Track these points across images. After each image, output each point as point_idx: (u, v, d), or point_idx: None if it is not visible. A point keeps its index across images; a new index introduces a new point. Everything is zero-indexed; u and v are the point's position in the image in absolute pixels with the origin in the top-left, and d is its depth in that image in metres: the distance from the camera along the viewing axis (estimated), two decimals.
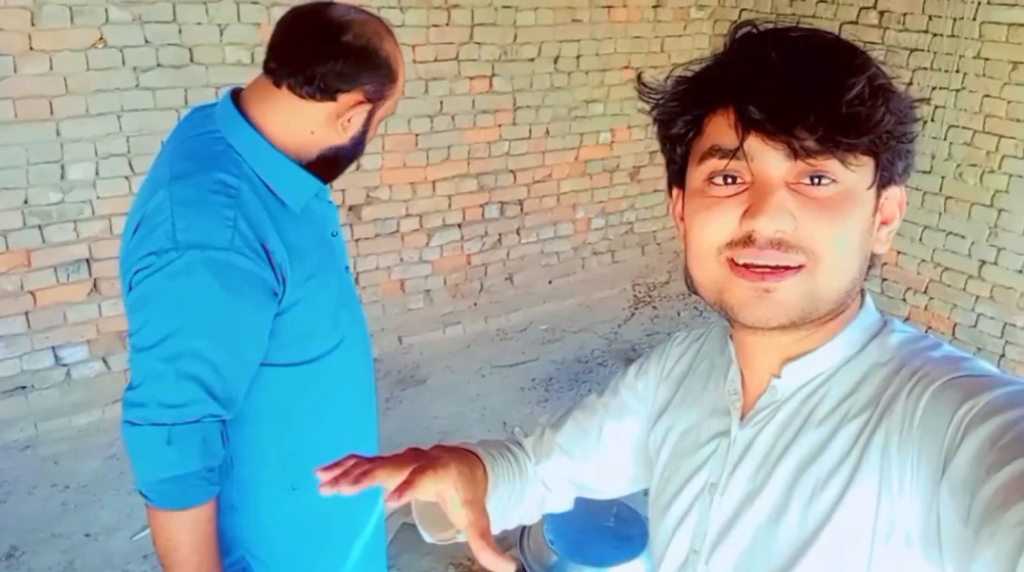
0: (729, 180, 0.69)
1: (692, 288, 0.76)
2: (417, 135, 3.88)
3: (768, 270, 0.67)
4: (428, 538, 0.92)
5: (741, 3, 4.60)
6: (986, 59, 3.59)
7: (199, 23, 3.21)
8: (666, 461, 0.89)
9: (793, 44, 0.67)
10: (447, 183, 4.06)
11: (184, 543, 1.20)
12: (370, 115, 1.29)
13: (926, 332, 0.77)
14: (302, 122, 1.25)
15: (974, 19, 3.57)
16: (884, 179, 0.70)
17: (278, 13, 3.25)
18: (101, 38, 3.05)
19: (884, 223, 0.72)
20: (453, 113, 3.95)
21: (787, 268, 0.67)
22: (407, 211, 3.98)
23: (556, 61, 4.21)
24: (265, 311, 1.22)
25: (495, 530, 0.94)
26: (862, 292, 0.77)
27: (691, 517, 0.82)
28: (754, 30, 0.70)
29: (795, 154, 0.65)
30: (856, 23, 4.07)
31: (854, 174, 0.67)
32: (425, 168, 3.96)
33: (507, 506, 0.97)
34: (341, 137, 1.28)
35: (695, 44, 4.68)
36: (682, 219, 0.77)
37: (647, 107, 0.76)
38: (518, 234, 4.38)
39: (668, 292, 4.80)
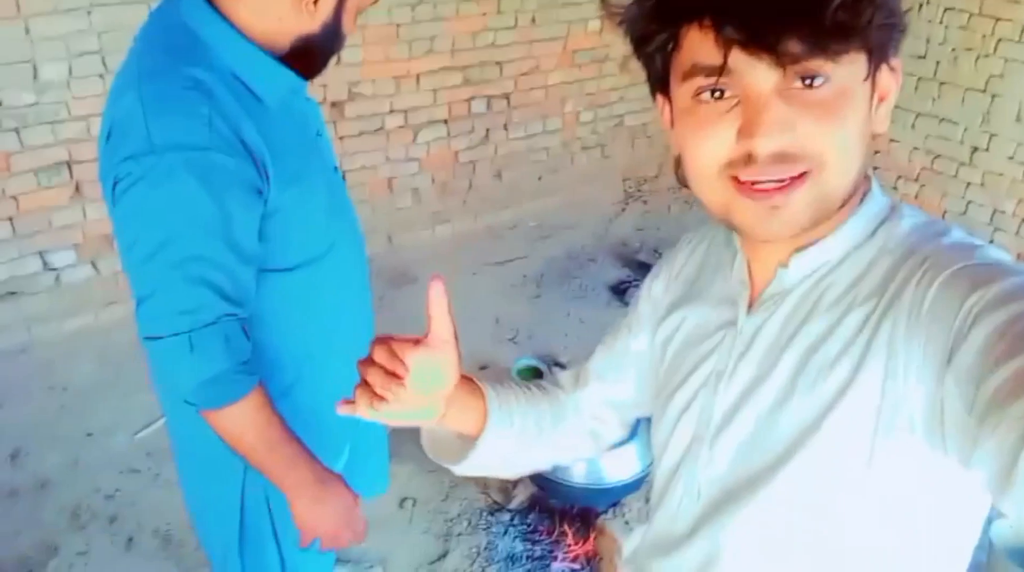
0: (717, 94, 0.67)
1: (683, 182, 0.75)
2: (398, 25, 3.74)
3: (774, 187, 0.66)
4: (440, 463, 0.93)
5: None
6: None
7: None
8: (673, 353, 0.89)
9: None
10: (431, 77, 3.95)
11: (252, 437, 1.22)
12: (340, 0, 1.22)
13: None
14: (269, 7, 1.19)
15: None
16: (878, 63, 0.68)
17: None
18: None
19: (881, 100, 0.71)
20: (435, 1, 3.80)
21: (793, 179, 0.66)
22: (391, 107, 3.88)
23: None
24: (253, 210, 1.19)
25: (514, 466, 0.99)
26: (867, 177, 0.76)
27: (696, 405, 0.83)
28: None
29: (781, 64, 0.63)
30: None
31: (846, 69, 0.65)
32: (408, 61, 3.84)
33: (527, 435, 0.95)
34: (310, 23, 1.21)
35: None
36: (672, 126, 0.75)
37: (615, 22, 0.72)
38: (505, 129, 4.29)
39: (658, 186, 4.77)
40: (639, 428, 2.41)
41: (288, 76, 1.24)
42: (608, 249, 4.14)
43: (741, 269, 0.81)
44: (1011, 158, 3.68)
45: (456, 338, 0.75)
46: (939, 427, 0.62)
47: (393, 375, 0.72)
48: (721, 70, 0.64)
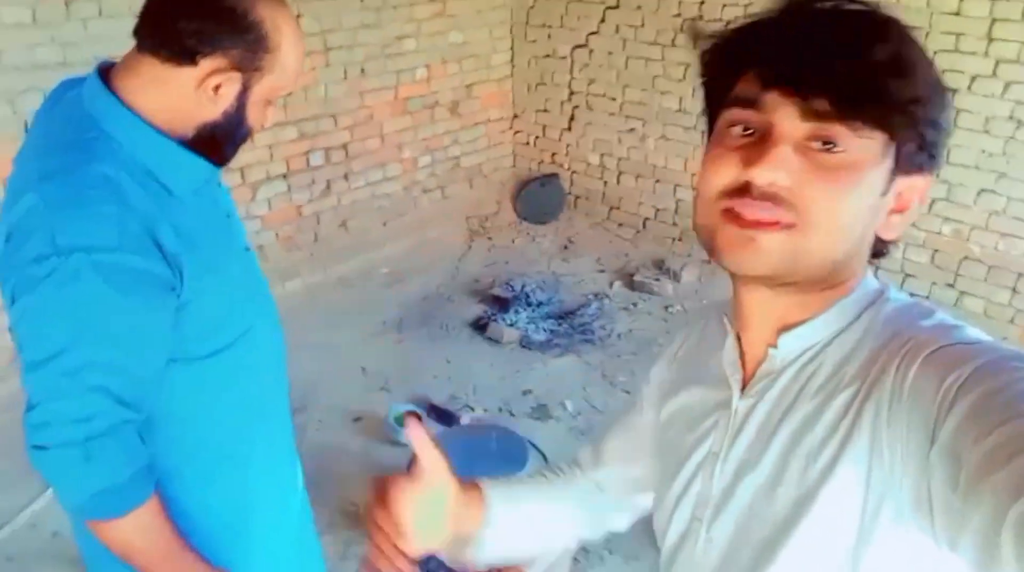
0: (747, 130, 0.70)
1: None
2: None
3: (758, 221, 0.68)
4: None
5: None
6: None
7: None
8: (672, 436, 0.90)
9: (834, 9, 0.67)
10: (266, 133, 3.86)
11: (146, 547, 1.17)
12: (245, 88, 1.17)
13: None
14: (170, 93, 1.14)
15: None
16: (904, 166, 0.69)
17: None
18: None
19: (898, 210, 0.72)
20: None
21: (775, 223, 0.67)
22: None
23: None
24: (164, 309, 1.15)
25: (534, 544, 1.01)
26: (864, 269, 0.77)
27: (694, 486, 0.84)
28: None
29: (807, 115, 0.65)
30: None
31: (863, 145, 0.66)
32: None
33: (541, 515, 0.98)
34: (210, 110, 1.16)
35: None
36: None
37: (696, 53, 0.77)
38: (347, 179, 4.28)
39: (500, 222, 4.91)
40: (528, 459, 2.47)
41: (200, 166, 1.21)
42: (462, 287, 4.20)
43: (732, 350, 0.82)
44: None
45: (445, 458, 0.81)
46: (927, 509, 0.62)
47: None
48: (755, 103, 0.68)
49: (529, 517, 0.97)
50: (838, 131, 0.65)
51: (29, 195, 1.08)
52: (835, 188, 0.66)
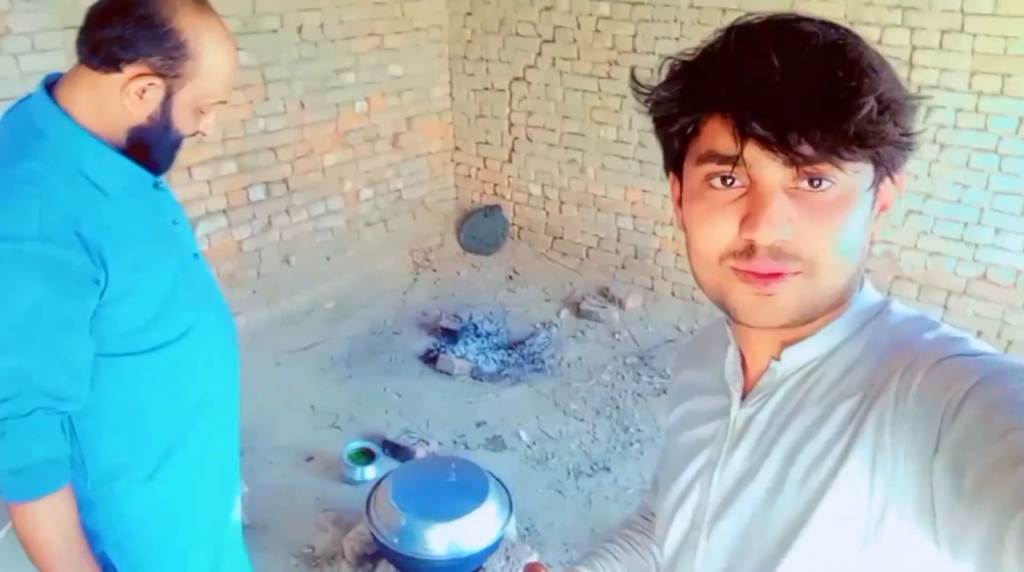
0: (728, 182, 0.68)
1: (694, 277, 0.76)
2: None
3: (770, 274, 0.68)
4: None
5: None
6: (700, 8, 4.02)
7: None
8: (673, 443, 0.90)
9: (797, 43, 0.65)
10: (204, 167, 3.79)
11: (46, 537, 1.21)
12: (168, 95, 1.24)
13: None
14: (101, 99, 1.23)
15: None
16: (883, 173, 0.70)
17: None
18: None
19: (882, 209, 0.73)
20: None
21: (785, 273, 0.68)
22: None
23: (300, 31, 4.06)
24: (83, 299, 1.19)
25: None
26: (861, 277, 0.78)
27: (692, 495, 0.84)
28: (754, 23, 0.68)
29: (794, 164, 0.64)
30: None
31: (853, 177, 0.67)
32: None
33: None
34: (137, 115, 1.24)
35: (433, 8, 4.73)
36: (679, 205, 0.76)
37: (641, 101, 0.74)
38: (288, 214, 4.21)
39: (444, 254, 4.90)
40: (489, 490, 2.44)
41: (130, 168, 1.27)
42: (409, 320, 4.16)
43: (735, 360, 0.82)
44: None
45: None
46: (930, 516, 0.62)
47: None
48: (735, 160, 0.66)
49: None
50: (826, 170, 0.65)
51: None
52: (833, 225, 0.67)
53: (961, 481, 0.58)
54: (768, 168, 0.66)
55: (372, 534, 2.35)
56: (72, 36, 1.24)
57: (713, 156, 0.68)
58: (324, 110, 4.27)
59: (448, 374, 3.68)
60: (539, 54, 4.58)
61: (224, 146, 3.84)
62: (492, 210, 4.97)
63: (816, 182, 0.66)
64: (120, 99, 1.21)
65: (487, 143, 4.96)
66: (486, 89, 4.84)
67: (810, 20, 0.68)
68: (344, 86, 4.33)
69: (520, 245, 4.98)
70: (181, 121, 1.27)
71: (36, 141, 1.20)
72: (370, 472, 2.94)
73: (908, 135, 0.67)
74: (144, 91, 1.22)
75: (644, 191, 4.49)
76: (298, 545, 2.63)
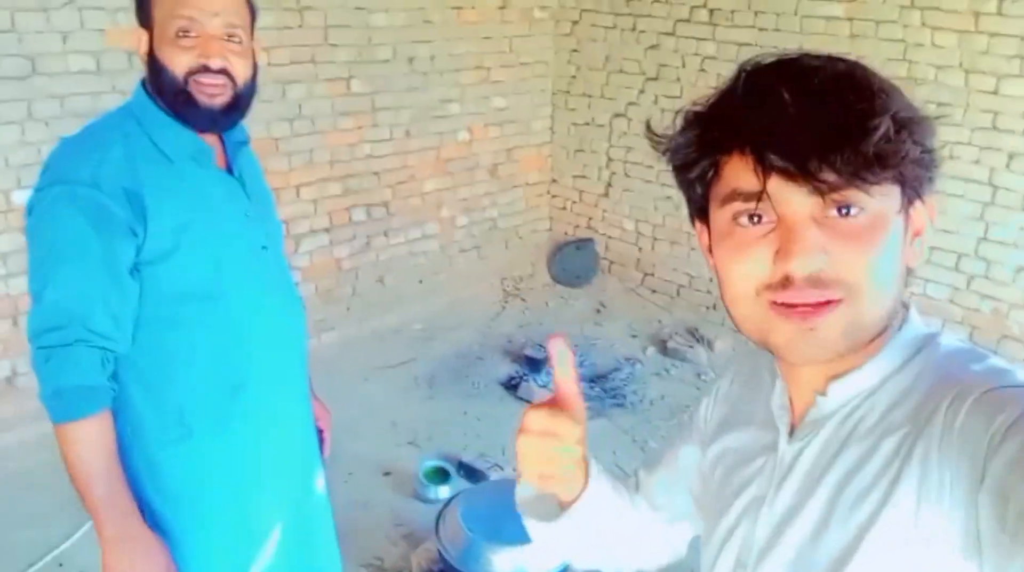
0: (755, 219, 0.69)
1: (733, 322, 0.75)
2: (277, 139, 3.78)
3: (809, 308, 0.67)
4: (534, 527, 0.91)
5: (581, 3, 4.80)
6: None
7: (40, 31, 2.99)
8: (719, 478, 0.89)
9: (806, 78, 0.66)
10: (311, 188, 3.99)
11: (80, 456, 1.32)
12: (151, 41, 1.37)
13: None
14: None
15: (795, 14, 3.93)
16: (912, 198, 0.70)
17: (125, 18, 3.08)
18: None
19: (916, 235, 0.72)
20: (312, 116, 3.89)
21: (827, 302, 0.67)
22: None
23: (412, 62, 4.24)
24: (121, 243, 1.32)
25: (595, 549, 0.96)
26: (905, 305, 0.77)
27: (739, 531, 0.83)
28: (761, 65, 0.69)
29: (820, 192, 0.64)
30: (689, 21, 4.37)
31: (881, 201, 0.66)
32: (288, 173, 3.87)
33: (616, 522, 0.94)
34: (145, 71, 1.40)
35: (540, 44, 4.85)
36: (710, 251, 0.77)
37: (659, 150, 0.76)
38: (386, 236, 4.37)
39: (534, 284, 4.95)
40: None
41: (183, 134, 1.41)
42: (494, 346, 4.22)
43: (782, 394, 0.81)
44: None
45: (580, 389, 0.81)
46: (976, 546, 0.62)
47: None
48: (760, 196, 0.66)
49: (612, 517, 0.92)
50: (852, 196, 0.65)
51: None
52: (869, 249, 0.66)
53: (1006, 511, 0.58)
54: (793, 199, 0.66)
55: (439, 551, 2.40)
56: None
57: (737, 195, 0.69)
58: (428, 138, 4.42)
59: (528, 401, 3.71)
60: (642, 91, 4.61)
61: (331, 169, 4.03)
62: (584, 243, 5.00)
63: (844, 210, 0.66)
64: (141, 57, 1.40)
65: (584, 177, 5.01)
66: (586, 124, 4.91)
67: (816, 56, 0.69)
68: (449, 116, 4.48)
69: (610, 279, 4.99)
70: (164, 56, 1.35)
71: (119, 112, 1.42)
72: (443, 491, 2.99)
73: (928, 152, 0.67)
74: (139, 44, 1.39)
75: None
76: (367, 556, 2.70)
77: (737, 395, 0.92)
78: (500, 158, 4.84)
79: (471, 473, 3.14)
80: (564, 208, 5.18)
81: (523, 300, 4.78)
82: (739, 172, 0.68)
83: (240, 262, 1.48)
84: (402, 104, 4.25)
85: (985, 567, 0.62)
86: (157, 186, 1.35)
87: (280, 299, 1.58)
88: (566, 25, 4.89)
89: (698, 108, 0.73)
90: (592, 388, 3.84)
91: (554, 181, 5.17)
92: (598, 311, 4.69)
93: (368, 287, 4.34)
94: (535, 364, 3.97)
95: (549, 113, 5.02)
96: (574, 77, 4.89)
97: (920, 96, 0.70)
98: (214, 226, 1.44)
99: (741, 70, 0.70)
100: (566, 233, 5.17)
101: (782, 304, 0.68)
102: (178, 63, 1.34)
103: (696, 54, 4.36)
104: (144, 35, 1.38)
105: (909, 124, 0.65)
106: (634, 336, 4.40)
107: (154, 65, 1.37)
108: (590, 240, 5.02)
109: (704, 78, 4.32)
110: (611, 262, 5.02)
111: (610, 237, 5.00)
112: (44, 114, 3.05)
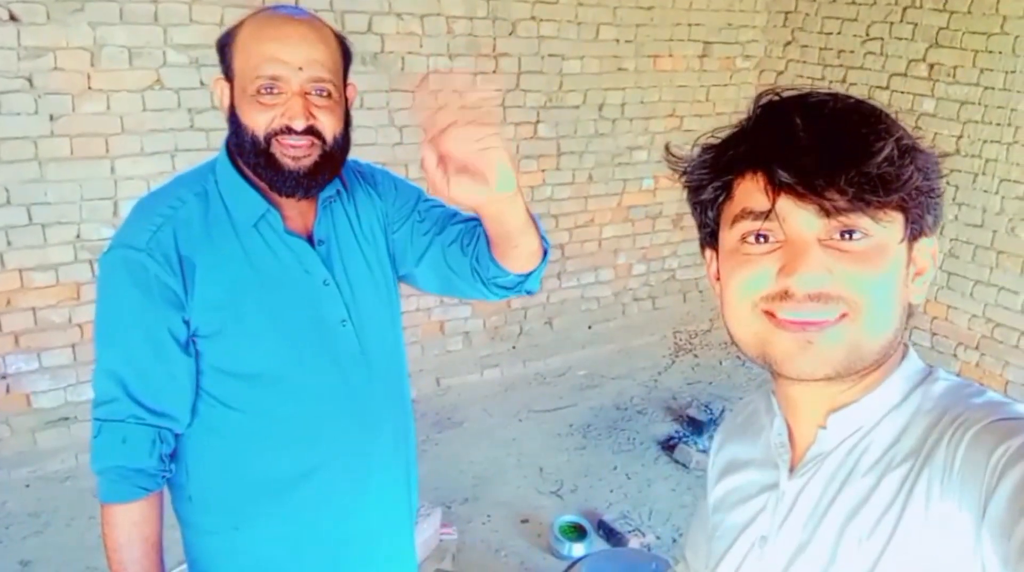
0: (762, 239, 0.71)
1: (733, 340, 0.77)
2: None
3: (810, 322, 0.69)
4: None
5: (788, 54, 4.59)
6: None
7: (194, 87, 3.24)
8: (720, 518, 0.90)
9: (817, 108, 0.70)
10: None
11: (116, 541, 1.25)
12: (232, 94, 1.25)
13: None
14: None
15: None
16: (915, 232, 0.72)
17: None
18: (158, 79, 3.15)
19: (918, 274, 0.74)
20: None
21: (826, 321, 0.68)
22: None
23: (601, 108, 4.24)
24: (169, 312, 1.24)
25: None
26: (904, 344, 0.78)
27: (743, 570, 0.83)
28: (776, 97, 0.73)
29: (826, 213, 0.67)
30: (905, 75, 4.04)
31: (885, 228, 0.69)
32: None
33: None
34: (230, 125, 1.27)
35: (740, 94, 4.68)
36: (718, 279, 0.79)
37: (676, 174, 0.81)
38: (559, 278, 4.37)
39: (710, 340, 4.73)
40: None
41: (252, 197, 1.28)
42: (657, 401, 4.07)
43: (781, 432, 0.82)
44: None
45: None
46: None
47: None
48: (769, 214, 0.69)
49: None
50: (857, 220, 0.67)
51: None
52: (871, 270, 0.68)
53: (1008, 549, 0.58)
54: (801, 220, 0.68)
55: None
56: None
57: (747, 214, 0.71)
58: (611, 184, 4.39)
59: (684, 466, 3.53)
60: None
61: None
62: None
63: (848, 234, 0.68)
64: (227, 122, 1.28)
65: None
66: None
67: (827, 92, 0.72)
68: (634, 163, 4.43)
69: None
70: (244, 113, 1.22)
71: (201, 170, 1.32)
72: (578, 549, 2.89)
73: (930, 181, 0.69)
74: (221, 97, 1.27)
75: (949, 307, 3.99)
76: None
77: (739, 437, 0.93)
78: (685, 208, 4.62)
79: (610, 534, 3.02)
80: None
81: (695, 356, 4.58)
82: (750, 192, 0.72)
83: (308, 340, 1.32)
84: (587, 149, 4.25)
85: None
86: (215, 254, 1.25)
87: (365, 376, 1.38)
88: (770, 75, 4.69)
89: (715, 139, 0.77)
90: None
91: None
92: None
93: (536, 328, 4.35)
94: (697, 425, 3.77)
95: None
96: None
97: None
98: (272, 302, 1.29)
99: (757, 104, 0.74)
100: None
101: (783, 318, 0.70)
102: (258, 123, 1.21)
103: (912, 110, 4.01)
104: (226, 86, 1.26)
105: (912, 151, 0.68)
106: None
107: (235, 122, 1.24)
108: None
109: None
110: None
111: None
112: (191, 145, 3.26)
